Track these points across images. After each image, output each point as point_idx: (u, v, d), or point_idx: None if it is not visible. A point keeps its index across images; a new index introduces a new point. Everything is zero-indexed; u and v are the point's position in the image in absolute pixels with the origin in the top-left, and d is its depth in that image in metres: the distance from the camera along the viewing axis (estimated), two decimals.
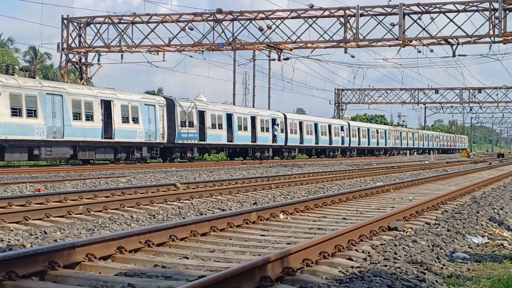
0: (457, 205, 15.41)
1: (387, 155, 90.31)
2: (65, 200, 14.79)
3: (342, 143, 75.28)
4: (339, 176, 27.85)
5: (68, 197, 15.06)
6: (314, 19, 39.95)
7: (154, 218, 12.19)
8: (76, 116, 36.03)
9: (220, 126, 50.48)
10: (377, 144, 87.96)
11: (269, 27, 40.44)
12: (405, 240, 9.28)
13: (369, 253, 8.50)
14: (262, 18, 40.64)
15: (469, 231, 10.70)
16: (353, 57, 43.33)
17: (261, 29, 40.51)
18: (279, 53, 42.55)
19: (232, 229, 10.65)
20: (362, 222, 10.58)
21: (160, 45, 42.81)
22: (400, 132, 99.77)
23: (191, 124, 46.72)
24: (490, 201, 15.66)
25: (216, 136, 49.96)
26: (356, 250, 8.80)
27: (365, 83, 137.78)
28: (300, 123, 64.97)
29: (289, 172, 30.56)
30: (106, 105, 38.77)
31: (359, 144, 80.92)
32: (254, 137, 55.40)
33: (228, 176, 26.95)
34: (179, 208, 13.82)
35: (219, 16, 41.08)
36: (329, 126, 72.21)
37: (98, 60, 45.84)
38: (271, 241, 9.68)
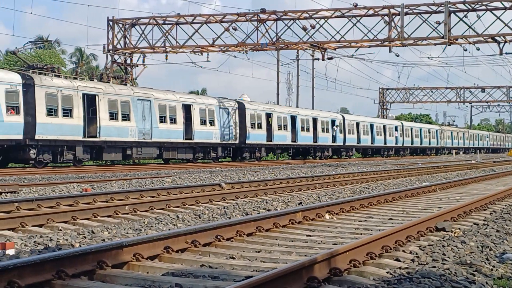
0: (506, 205, 15.16)
1: (438, 154, 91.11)
2: (112, 200, 14.93)
3: (396, 142, 77.91)
4: (384, 176, 27.65)
5: (115, 197, 15.19)
6: (358, 18, 39.76)
7: (200, 218, 12.22)
8: (162, 119, 39.85)
9: (286, 128, 53.45)
10: (429, 144, 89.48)
11: (312, 27, 40.35)
12: (454, 241, 9.16)
13: (417, 254, 8.40)
14: (305, 18, 40.57)
15: None
16: (397, 56, 43.11)
17: (304, 29, 40.45)
18: (323, 52, 42.43)
19: (278, 229, 10.62)
20: (409, 222, 10.48)
21: (204, 45, 43.02)
22: (451, 132, 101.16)
23: (259, 126, 49.84)
24: None
25: (282, 136, 52.89)
26: (403, 250, 8.72)
27: (410, 82, 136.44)
28: (357, 124, 67.62)
29: (334, 172, 30.43)
30: (187, 109, 42.47)
31: (412, 143, 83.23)
32: (315, 137, 58.32)
33: (273, 176, 26.94)
34: (224, 208, 13.85)
35: (262, 16, 41.11)
36: (384, 126, 74.85)
37: (143, 61, 46.23)
38: (317, 242, 9.64)
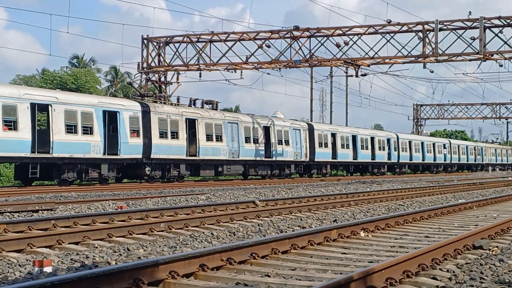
0: None
1: (483, 170, 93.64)
2: (146, 217, 15.02)
3: (444, 159, 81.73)
4: (419, 193, 27.44)
5: (150, 215, 15.29)
6: (391, 34, 39.62)
7: (234, 235, 12.22)
8: (247, 140, 44.41)
9: (348, 146, 57.69)
10: (475, 161, 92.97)
11: (346, 43, 40.29)
12: (491, 259, 9.04)
13: (454, 272, 8.31)
14: (339, 35, 40.53)
15: None
16: (432, 72, 42.68)
17: (338, 45, 40.40)
18: (356, 69, 42.37)
19: (313, 247, 10.59)
20: (445, 240, 10.38)
21: (237, 62, 43.17)
22: (495, 149, 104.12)
23: (326, 145, 54.13)
24: None
25: (345, 154, 57.14)
26: (440, 269, 8.63)
27: (445, 98, 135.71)
28: (409, 142, 71.62)
29: (368, 189, 30.26)
30: (266, 131, 46.80)
31: (459, 160, 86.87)
32: (373, 155, 62.44)
33: (307, 193, 26.87)
34: (258, 225, 13.83)
35: (296, 33, 41.16)
36: (433, 144, 78.84)
37: (177, 78, 46.46)
38: (352, 259, 9.58)
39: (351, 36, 40.37)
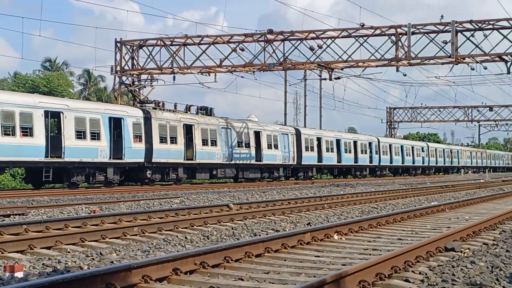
0: None
1: (458, 172, 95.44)
2: (120, 221, 14.94)
3: (423, 162, 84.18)
4: (392, 196, 27.59)
5: (123, 219, 15.21)
6: (365, 38, 39.80)
7: (208, 239, 12.20)
8: (239, 144, 46.15)
9: (332, 150, 60.07)
10: (451, 163, 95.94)
11: (319, 47, 40.40)
12: (463, 261, 9.11)
13: (426, 274, 8.37)
14: (312, 38, 40.64)
15: None
16: (405, 75, 42.99)
17: (312, 49, 40.50)
18: (330, 72, 42.48)
19: (287, 250, 10.60)
20: (418, 242, 10.44)
21: (211, 66, 43.12)
22: (470, 152, 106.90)
23: (312, 149, 56.11)
24: None
25: (329, 158, 59.34)
26: (413, 271, 8.68)
27: (417, 101, 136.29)
28: (390, 146, 74.01)
29: (342, 192, 30.37)
30: (257, 135, 48.53)
31: (436, 163, 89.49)
32: (356, 158, 64.69)
33: (281, 196, 26.89)
34: (232, 229, 13.82)
35: (269, 37, 41.21)
36: (412, 147, 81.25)
37: (151, 82, 46.29)
38: (326, 262, 9.61)
39: (324, 40, 40.50)
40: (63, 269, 8.78)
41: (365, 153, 67.00)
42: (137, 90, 45.98)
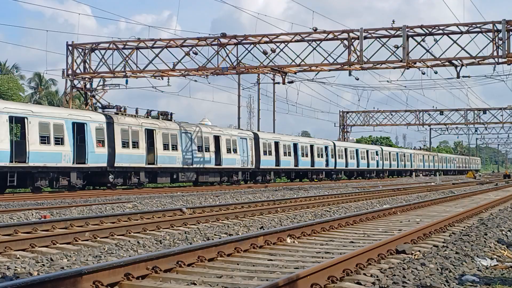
0: (464, 227, 15.33)
1: (410, 175, 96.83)
2: (71, 226, 14.77)
3: (377, 166, 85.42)
4: (345, 199, 27.77)
5: (74, 224, 15.04)
6: (318, 42, 40.05)
7: (161, 243, 12.14)
8: (199, 149, 46.67)
9: (289, 154, 60.86)
10: (404, 166, 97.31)
11: (273, 51, 40.53)
12: (414, 264, 9.22)
13: (377, 277, 8.44)
14: (266, 42, 40.75)
15: (477, 254, 10.63)
16: (357, 79, 43.14)
17: (265, 53, 40.60)
18: (283, 76, 42.62)
19: (240, 254, 10.60)
20: (370, 245, 10.53)
21: (164, 70, 42.95)
22: (423, 156, 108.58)
23: (270, 153, 56.92)
24: (497, 223, 15.57)
25: (287, 162, 60.06)
26: (364, 274, 8.75)
27: (370, 105, 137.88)
28: (345, 149, 75.03)
29: (295, 196, 30.48)
30: (216, 140, 49.08)
31: (390, 166, 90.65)
32: (312, 162, 65.51)
33: (234, 200, 26.88)
34: (185, 233, 13.77)
35: (223, 40, 41.20)
36: (367, 151, 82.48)
37: (103, 85, 45.91)
38: (278, 266, 9.63)
39: (278, 44, 40.64)
40: (12, 276, 8.64)
41: (321, 157, 67.98)
42: (91, 93, 45.52)
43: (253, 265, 9.67)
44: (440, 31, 38.16)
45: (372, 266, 9.41)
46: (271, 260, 10.22)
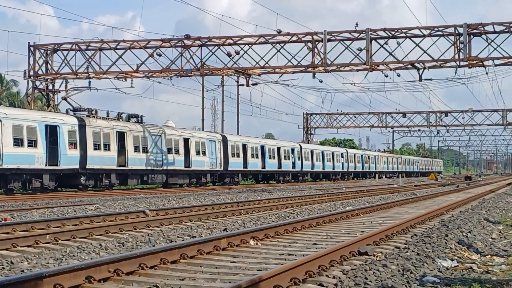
0: (426, 228, 15.49)
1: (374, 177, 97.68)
2: (32, 229, 14.59)
3: (342, 168, 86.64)
4: (309, 201, 27.87)
5: (35, 226, 14.86)
6: (282, 44, 40.13)
7: (123, 246, 12.07)
8: (170, 151, 47.37)
9: (257, 156, 61.73)
10: (369, 168, 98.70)
11: (237, 53, 40.51)
12: (376, 265, 9.28)
13: (339, 278, 8.49)
14: (230, 44, 40.72)
15: (438, 255, 10.74)
16: (321, 81, 43.33)
17: (229, 55, 40.56)
18: (247, 78, 42.63)
19: (203, 256, 10.58)
20: (332, 247, 10.58)
21: (128, 71, 42.68)
22: (387, 158, 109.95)
23: (238, 155, 57.83)
24: (458, 224, 15.74)
25: (254, 164, 60.98)
26: (327, 275, 8.79)
27: (334, 107, 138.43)
28: (311, 152, 76.18)
29: (259, 198, 30.51)
30: (186, 142, 49.82)
31: (355, 168, 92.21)
32: (279, 164, 66.55)
33: (198, 202, 26.83)
34: (148, 235, 13.71)
35: (187, 42, 41.09)
36: (332, 153, 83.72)
37: (66, 87, 45.47)
38: (241, 268, 9.63)
39: (242, 46, 40.64)
40: None
41: (288, 159, 68.88)
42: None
43: (216, 267, 9.66)
44: (403, 34, 38.49)
45: (334, 267, 9.45)
46: (234, 262, 10.22)
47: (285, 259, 10.46)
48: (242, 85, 51.82)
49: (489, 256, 11.44)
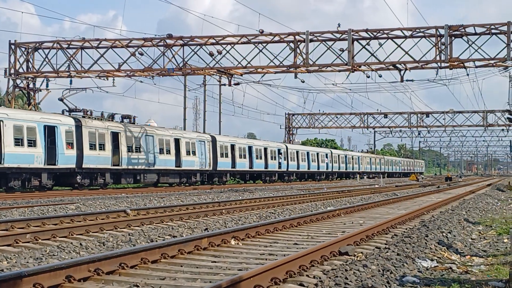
0: (406, 229, 15.56)
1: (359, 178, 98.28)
2: (12, 228, 14.51)
3: (327, 168, 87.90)
4: (290, 201, 27.89)
5: (15, 225, 14.78)
6: (264, 44, 40.15)
7: (104, 245, 12.03)
8: (161, 151, 48.62)
9: (244, 156, 63.11)
10: (353, 169, 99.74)
11: (219, 52, 40.48)
12: (356, 265, 9.32)
13: (320, 278, 8.51)
14: (212, 44, 40.69)
15: (418, 255, 10.80)
16: (303, 82, 43.34)
17: (211, 54, 40.53)
18: (229, 78, 42.60)
19: (183, 256, 10.57)
20: (313, 247, 10.60)
21: (109, 70, 42.52)
22: (370, 158, 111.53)
23: (226, 155, 59.25)
24: (438, 225, 15.84)
25: (242, 164, 62.33)
26: (307, 275, 8.81)
27: (315, 107, 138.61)
28: (297, 152, 77.67)
29: (240, 197, 30.51)
30: (176, 142, 50.94)
31: (339, 168, 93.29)
32: (266, 164, 67.96)
33: (179, 202, 26.78)
34: (129, 235, 13.68)
35: (169, 41, 41.00)
36: (317, 154, 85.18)
37: (47, 85, 45.22)
38: (222, 268, 9.63)
39: (224, 45, 40.61)
40: None
41: (275, 159, 70.26)
42: (32, 93, 44.83)
43: (197, 267, 9.65)
44: (385, 35, 38.64)
45: (315, 267, 9.47)
46: (215, 262, 10.22)
47: (266, 259, 10.47)
48: (224, 84, 51.62)
49: (469, 256, 11.52)
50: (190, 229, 14.93)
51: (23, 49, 44.00)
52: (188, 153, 52.29)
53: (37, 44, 44.02)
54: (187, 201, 26.83)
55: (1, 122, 33.98)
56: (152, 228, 15.41)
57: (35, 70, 44.05)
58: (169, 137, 50.16)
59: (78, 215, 17.46)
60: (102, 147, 41.69)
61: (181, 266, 9.75)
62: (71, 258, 10.28)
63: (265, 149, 67.97)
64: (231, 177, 63.79)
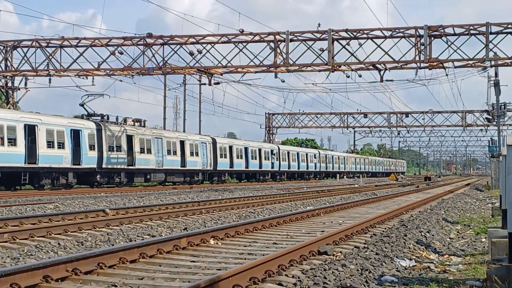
0: (385, 228, 15.62)
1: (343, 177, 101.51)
2: None
3: (315, 168, 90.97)
4: (269, 201, 27.91)
5: None
6: (244, 44, 40.09)
7: (82, 245, 11.97)
8: (168, 152, 51.92)
9: (241, 157, 66.48)
10: (339, 168, 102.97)
11: (199, 52, 40.38)
12: (335, 264, 9.34)
13: (299, 278, 8.51)
14: (192, 43, 40.58)
15: (397, 255, 10.84)
16: (283, 81, 43.38)
17: (191, 54, 40.41)
18: (209, 77, 42.52)
19: (162, 256, 10.54)
20: (292, 246, 10.61)
21: (89, 69, 42.27)
22: (355, 158, 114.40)
23: (225, 156, 62.76)
24: (417, 224, 15.92)
25: (239, 164, 65.71)
26: (286, 275, 8.81)
27: (295, 107, 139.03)
28: (288, 153, 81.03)
29: (220, 197, 30.48)
30: (182, 144, 54.49)
31: (326, 168, 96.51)
32: (260, 164, 71.52)
33: (158, 201, 26.72)
34: (108, 234, 13.62)
35: (149, 41, 40.84)
36: (306, 154, 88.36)
37: (25, 84, 44.92)
38: (201, 267, 9.62)
39: (204, 45, 40.52)
40: None
41: (268, 159, 73.88)
42: (10, 92, 44.52)
43: (176, 267, 9.63)
44: (365, 35, 38.72)
45: (294, 267, 9.48)
46: (194, 261, 10.20)
47: (245, 259, 10.47)
48: (204, 84, 51.58)
49: (447, 255, 11.59)
50: (169, 229, 14.90)
51: (1, 48, 43.63)
52: (192, 154, 55.86)
53: (16, 42, 43.68)
54: (167, 201, 26.77)
55: (36, 127, 37.54)
56: (131, 228, 15.36)
57: (13, 69, 43.70)
58: (176, 139, 53.79)
59: (56, 214, 17.36)
60: (118, 148, 45.32)
61: (160, 265, 9.72)
62: (49, 258, 10.22)
63: (260, 150, 71.42)
64: (229, 177, 66.81)
